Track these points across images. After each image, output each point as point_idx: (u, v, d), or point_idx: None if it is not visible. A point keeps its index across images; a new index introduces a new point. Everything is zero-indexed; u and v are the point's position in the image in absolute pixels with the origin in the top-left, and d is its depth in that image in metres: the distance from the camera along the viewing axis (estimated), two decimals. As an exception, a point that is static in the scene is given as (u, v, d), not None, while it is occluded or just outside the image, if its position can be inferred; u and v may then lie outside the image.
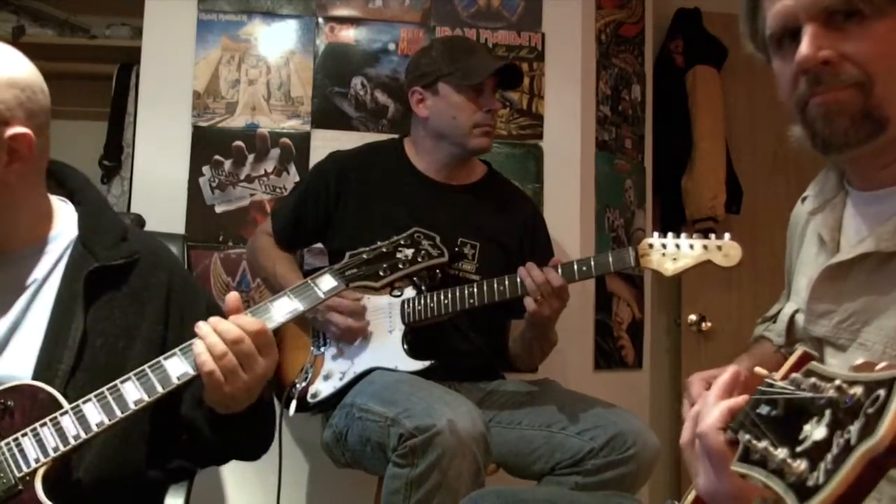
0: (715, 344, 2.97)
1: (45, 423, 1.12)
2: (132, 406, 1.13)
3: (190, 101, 2.40)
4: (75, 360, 1.19)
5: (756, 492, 0.66)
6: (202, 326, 1.15)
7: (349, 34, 2.47)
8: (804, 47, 0.92)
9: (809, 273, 1.07)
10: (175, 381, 1.15)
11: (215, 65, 2.42)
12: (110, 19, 2.95)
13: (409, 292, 1.90)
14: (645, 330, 2.74)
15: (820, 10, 0.92)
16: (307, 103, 2.43)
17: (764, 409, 0.63)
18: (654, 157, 2.85)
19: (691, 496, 0.86)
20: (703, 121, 2.94)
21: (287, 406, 1.94)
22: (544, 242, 2.15)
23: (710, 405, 0.75)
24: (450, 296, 1.86)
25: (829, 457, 0.51)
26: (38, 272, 1.25)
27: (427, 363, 1.87)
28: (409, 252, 1.35)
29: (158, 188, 2.36)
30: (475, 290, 1.84)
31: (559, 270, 1.77)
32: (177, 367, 1.16)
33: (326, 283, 1.28)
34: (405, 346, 1.89)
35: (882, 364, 0.54)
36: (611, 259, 1.76)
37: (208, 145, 2.39)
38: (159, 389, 1.15)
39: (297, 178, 2.35)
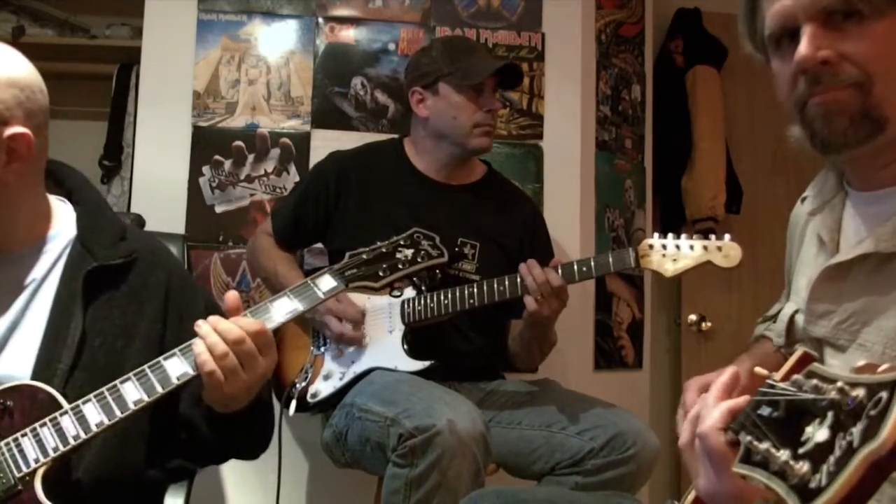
0: (715, 344, 2.96)
1: (44, 424, 1.12)
2: (132, 406, 1.13)
3: (190, 101, 2.40)
4: (74, 360, 1.19)
5: (757, 493, 0.66)
6: (202, 326, 1.15)
7: (349, 34, 2.47)
8: (803, 47, 0.92)
9: (809, 273, 1.07)
10: (175, 382, 1.15)
11: (215, 65, 2.41)
12: (110, 19, 2.94)
13: (409, 292, 1.90)
14: (645, 330, 2.74)
15: (819, 10, 0.92)
16: (307, 103, 2.43)
17: (765, 411, 0.63)
18: (654, 157, 2.85)
19: (691, 496, 0.86)
20: (703, 121, 2.94)
21: (287, 406, 1.94)
22: (544, 242, 2.15)
23: (711, 406, 0.75)
24: (450, 296, 1.86)
25: (831, 459, 0.51)
26: (37, 272, 1.25)
27: (427, 363, 1.87)
28: (409, 252, 1.35)
29: (158, 188, 2.36)
30: (475, 290, 1.84)
31: (559, 271, 1.77)
32: (176, 367, 1.16)
33: (326, 283, 1.28)
34: (405, 347, 1.89)
35: (884, 366, 0.54)
36: (611, 260, 1.76)
37: (208, 145, 2.39)
38: (159, 390, 1.15)
39: (297, 178, 2.35)
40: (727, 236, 1.67)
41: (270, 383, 1.45)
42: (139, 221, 1.78)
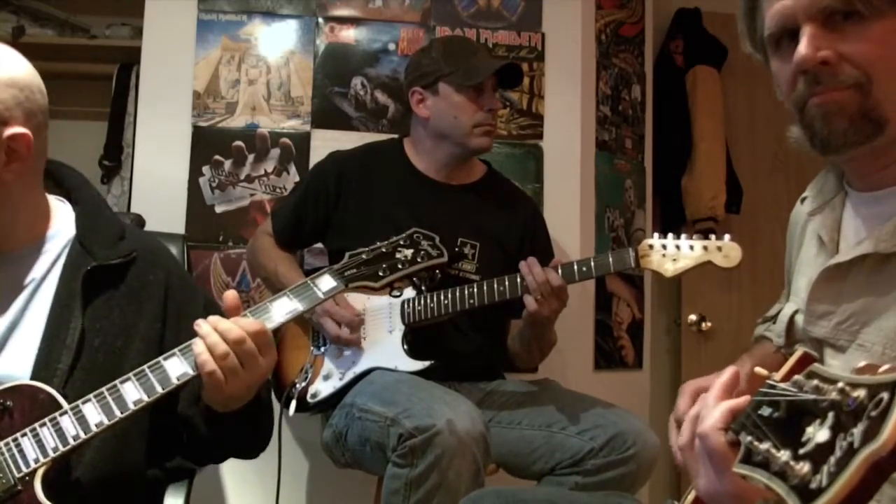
0: (715, 344, 2.97)
1: (44, 424, 1.12)
2: (131, 406, 1.13)
3: (190, 101, 2.40)
4: (74, 360, 1.19)
5: (757, 493, 0.66)
6: (202, 325, 1.15)
7: (349, 34, 2.47)
8: (803, 47, 0.92)
9: (809, 274, 1.07)
10: (174, 382, 1.16)
11: (215, 65, 2.41)
12: (110, 19, 2.94)
13: (409, 292, 1.90)
14: (645, 330, 2.74)
15: (818, 10, 0.92)
16: (307, 103, 2.43)
17: (766, 411, 0.63)
18: (654, 157, 2.85)
19: (691, 496, 0.86)
20: (703, 121, 2.94)
21: (287, 406, 1.94)
22: (544, 242, 2.15)
23: (711, 406, 0.75)
24: (450, 296, 1.86)
25: (832, 459, 0.51)
26: (37, 271, 1.25)
27: (427, 363, 1.87)
28: (409, 252, 1.35)
29: (158, 188, 2.36)
30: (475, 290, 1.84)
31: (559, 271, 1.78)
32: (176, 367, 1.16)
33: (326, 283, 1.28)
34: (405, 347, 1.89)
35: (885, 367, 0.54)
36: (611, 260, 1.76)
37: (208, 145, 2.39)
38: (159, 390, 1.15)
39: (297, 178, 2.35)
40: (727, 236, 1.67)
41: (269, 383, 1.45)
42: (139, 221, 1.78)
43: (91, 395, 1.14)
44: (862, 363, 0.58)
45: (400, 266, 1.34)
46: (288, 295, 1.25)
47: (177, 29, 2.42)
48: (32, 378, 1.17)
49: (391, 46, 2.47)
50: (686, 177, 2.94)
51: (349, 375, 1.92)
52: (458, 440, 1.58)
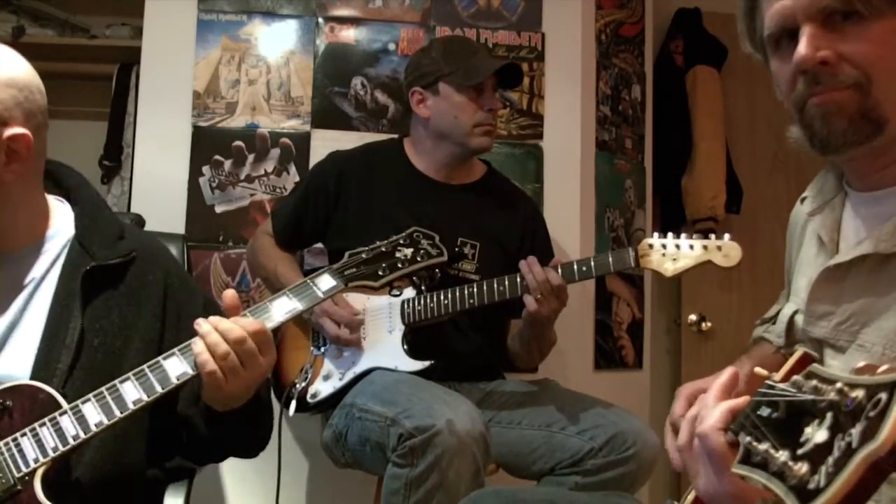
0: (715, 344, 2.97)
1: (44, 424, 1.12)
2: (131, 406, 1.14)
3: (190, 101, 2.40)
4: (73, 360, 1.20)
5: (757, 493, 0.66)
6: (202, 325, 1.15)
7: (349, 34, 2.47)
8: (802, 47, 0.92)
9: (809, 274, 1.07)
10: (174, 381, 1.16)
11: (215, 65, 2.41)
12: (110, 19, 2.95)
13: (409, 292, 1.90)
14: (645, 330, 2.74)
15: (818, 10, 0.92)
16: (307, 103, 2.43)
17: (765, 411, 0.63)
18: (654, 157, 2.85)
19: (691, 496, 0.86)
20: (703, 121, 2.94)
21: (287, 406, 1.94)
22: (544, 242, 2.15)
23: (710, 406, 0.75)
24: (450, 296, 1.86)
25: (830, 460, 0.51)
26: (36, 271, 1.25)
27: (427, 363, 1.87)
28: (409, 251, 1.35)
29: (158, 188, 2.36)
30: (475, 290, 1.84)
31: (559, 271, 1.78)
32: (176, 366, 1.16)
33: (325, 282, 1.28)
34: (405, 346, 1.89)
35: (884, 367, 0.54)
36: (611, 259, 1.76)
37: (208, 145, 2.39)
38: (158, 389, 1.15)
39: (297, 178, 2.35)
40: (727, 236, 1.67)
41: (269, 382, 1.45)
42: (139, 221, 1.78)
43: (90, 395, 1.14)
44: (861, 363, 0.58)
45: (399, 265, 1.34)
46: (287, 294, 1.25)
47: (177, 29, 2.42)
48: (32, 378, 1.17)
49: (391, 46, 2.47)
50: (686, 177, 2.94)
51: (349, 375, 1.92)
52: (458, 440, 1.58)
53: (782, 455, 0.56)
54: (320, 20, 2.46)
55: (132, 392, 1.14)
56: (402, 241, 1.35)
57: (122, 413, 1.13)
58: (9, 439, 1.11)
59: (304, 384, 1.96)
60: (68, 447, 1.11)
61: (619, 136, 2.69)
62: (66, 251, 1.27)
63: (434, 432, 1.58)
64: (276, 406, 1.76)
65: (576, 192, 2.51)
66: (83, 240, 1.27)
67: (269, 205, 2.37)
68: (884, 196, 0.99)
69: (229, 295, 1.19)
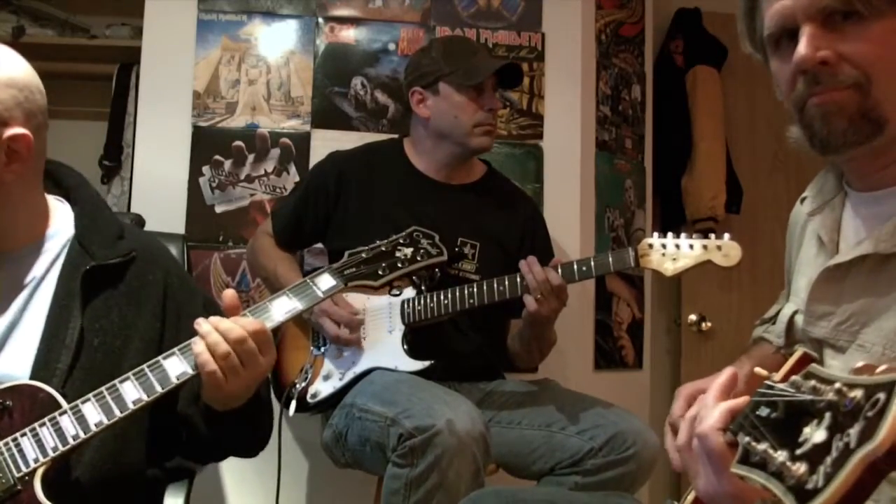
0: (715, 344, 2.97)
1: (44, 423, 1.12)
2: (131, 406, 1.14)
3: (190, 101, 2.40)
4: (73, 360, 1.20)
5: (756, 493, 0.66)
6: (203, 325, 1.15)
7: (349, 34, 2.47)
8: (802, 47, 0.92)
9: (809, 274, 1.07)
10: (174, 381, 1.16)
11: (215, 65, 2.41)
12: (110, 19, 2.95)
13: (409, 292, 1.90)
14: (645, 330, 2.74)
15: (818, 10, 0.92)
16: (307, 103, 2.43)
17: (764, 411, 0.63)
18: (654, 157, 2.85)
19: (691, 496, 0.86)
20: (703, 121, 2.94)
21: (287, 406, 1.94)
22: (544, 242, 2.15)
23: (710, 406, 0.75)
24: (450, 296, 1.86)
25: (828, 460, 0.51)
26: (36, 270, 1.25)
27: (427, 363, 1.87)
28: (408, 251, 1.34)
29: (158, 188, 2.36)
30: (475, 290, 1.84)
31: (559, 271, 1.77)
32: (176, 366, 1.17)
33: (325, 282, 1.28)
34: (405, 346, 1.89)
35: (882, 367, 0.54)
36: (611, 259, 1.76)
37: (208, 145, 2.39)
38: (158, 389, 1.15)
39: (297, 178, 2.35)
40: (727, 235, 1.67)
41: (269, 381, 1.45)
42: (139, 221, 1.78)
43: (90, 395, 1.14)
44: (860, 363, 0.58)
45: (399, 265, 1.34)
46: (287, 294, 1.25)
47: (177, 29, 2.42)
48: (32, 377, 1.17)
49: (391, 46, 2.47)
50: (686, 177, 2.94)
51: (349, 375, 1.92)
52: (458, 440, 1.58)
53: (781, 455, 0.56)
54: (320, 20, 2.46)
55: (132, 392, 1.14)
56: (401, 241, 1.35)
57: (121, 413, 1.13)
58: (9, 439, 1.11)
59: (304, 384, 1.96)
60: (68, 447, 1.11)
61: (619, 136, 2.69)
62: (65, 251, 1.27)
63: (434, 432, 1.58)
64: (277, 406, 1.77)
65: (576, 192, 2.51)
66: (83, 239, 1.28)
67: (269, 205, 2.37)
68: (884, 196, 0.99)
69: (229, 295, 1.19)
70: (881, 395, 0.50)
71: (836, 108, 0.93)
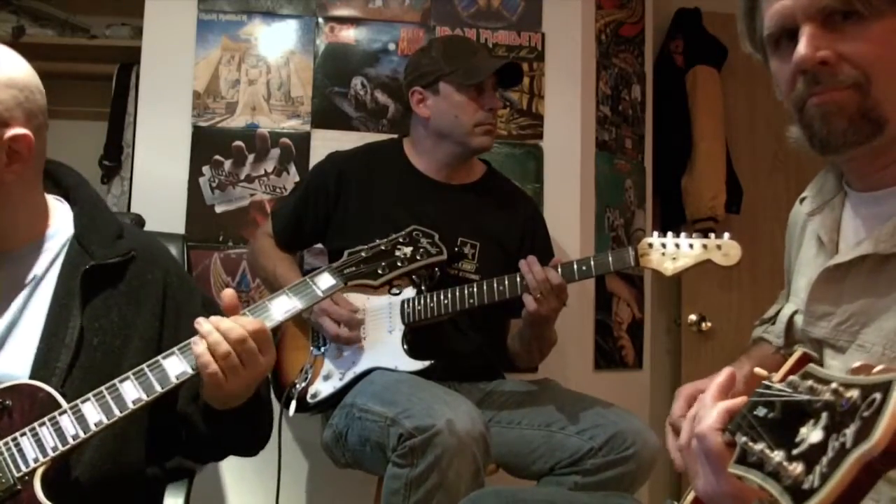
0: (715, 344, 2.97)
1: (43, 423, 1.12)
2: (131, 405, 1.14)
3: (190, 101, 2.40)
4: (72, 359, 1.20)
5: (754, 493, 0.66)
6: (203, 324, 1.15)
7: (349, 34, 2.47)
8: (802, 47, 0.92)
9: (808, 274, 1.07)
10: (174, 381, 1.16)
11: (215, 65, 2.42)
12: (110, 19, 2.95)
13: (409, 292, 1.90)
14: (645, 330, 2.74)
15: (818, 10, 0.92)
16: (307, 103, 2.43)
17: (761, 412, 0.63)
18: (654, 157, 2.85)
19: (690, 496, 0.86)
20: (703, 121, 2.94)
21: (287, 406, 1.94)
22: (544, 242, 2.15)
23: (708, 406, 0.75)
24: (450, 296, 1.86)
25: (824, 460, 0.51)
26: (36, 270, 1.25)
27: (427, 363, 1.87)
28: (408, 250, 1.34)
29: (158, 188, 2.36)
30: (475, 290, 1.84)
31: (559, 270, 1.77)
32: (175, 366, 1.17)
33: (325, 281, 1.28)
34: (405, 346, 1.89)
35: (879, 367, 0.54)
36: (611, 259, 1.76)
37: (208, 145, 2.39)
38: (158, 389, 1.15)
39: (297, 178, 2.35)
40: (727, 235, 1.67)
41: (269, 381, 1.45)
42: (139, 221, 1.78)
43: (90, 395, 1.14)
44: (857, 363, 0.58)
45: (399, 264, 1.33)
46: (287, 293, 1.25)
47: (177, 29, 2.42)
48: (31, 377, 1.18)
49: (391, 46, 2.47)
50: (686, 177, 2.94)
51: (349, 375, 1.92)
52: (458, 440, 1.58)
53: (777, 455, 0.56)
54: (320, 20, 2.46)
55: (132, 391, 1.14)
56: (401, 240, 1.35)
57: (121, 412, 1.13)
58: (8, 439, 1.11)
59: (304, 384, 1.96)
60: (68, 447, 1.11)
61: (619, 136, 2.69)
62: (65, 250, 1.27)
63: (434, 432, 1.58)
64: (277, 406, 1.77)
65: (576, 192, 2.51)
66: (82, 239, 1.28)
67: (269, 205, 2.37)
68: (884, 196, 0.99)
69: (228, 294, 1.19)
70: (877, 395, 0.50)
71: (836, 108, 0.93)
